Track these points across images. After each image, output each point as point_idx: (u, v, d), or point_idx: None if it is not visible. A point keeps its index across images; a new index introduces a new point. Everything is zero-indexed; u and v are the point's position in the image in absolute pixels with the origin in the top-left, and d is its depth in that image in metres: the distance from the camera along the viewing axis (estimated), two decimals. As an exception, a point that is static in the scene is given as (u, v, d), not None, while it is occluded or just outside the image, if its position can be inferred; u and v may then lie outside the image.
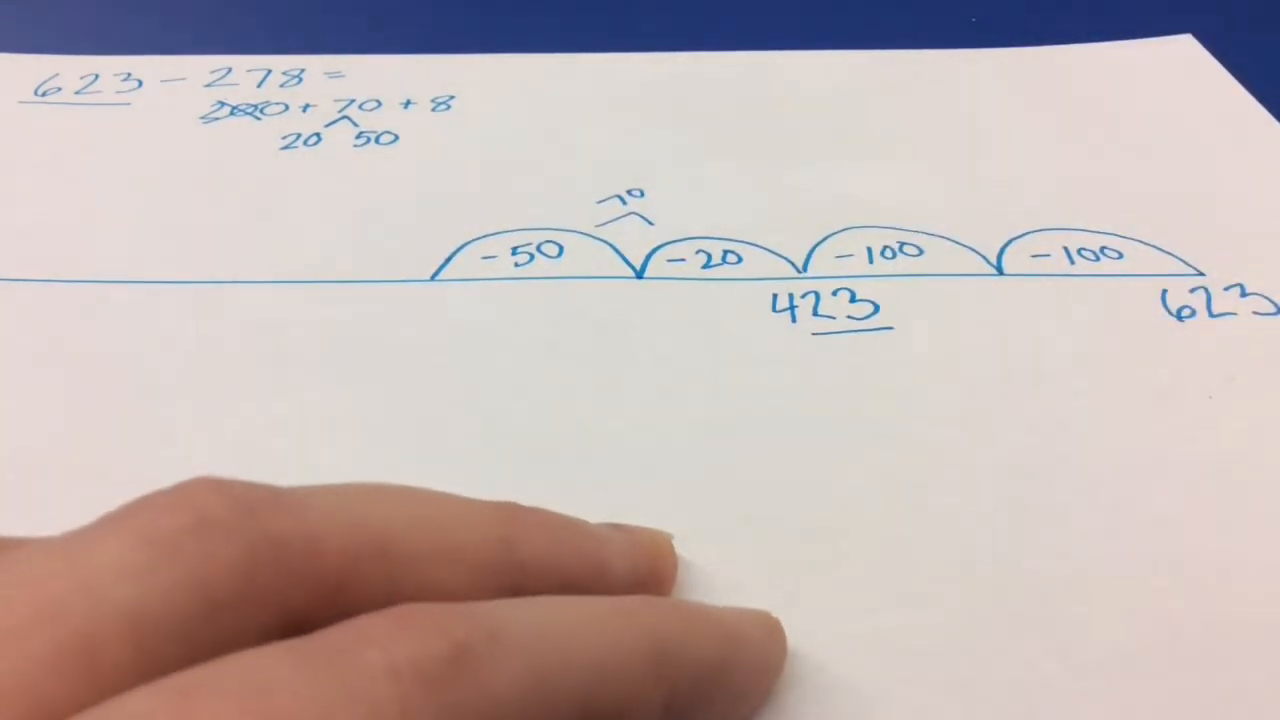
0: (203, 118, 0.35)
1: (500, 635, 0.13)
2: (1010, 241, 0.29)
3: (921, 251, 0.29)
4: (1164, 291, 0.27)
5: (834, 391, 0.24)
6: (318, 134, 0.34)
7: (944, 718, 0.18)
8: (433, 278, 0.28)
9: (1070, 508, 0.21)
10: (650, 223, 0.30)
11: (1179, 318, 0.26)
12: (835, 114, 0.35)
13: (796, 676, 0.18)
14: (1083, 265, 0.28)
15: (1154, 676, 0.18)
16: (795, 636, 0.18)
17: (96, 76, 0.38)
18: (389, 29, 0.42)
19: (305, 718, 0.11)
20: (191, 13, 0.44)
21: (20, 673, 0.12)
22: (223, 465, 0.22)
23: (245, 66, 0.39)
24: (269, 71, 0.38)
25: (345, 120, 0.35)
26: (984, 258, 0.28)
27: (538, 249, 0.29)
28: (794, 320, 0.26)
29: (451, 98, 0.37)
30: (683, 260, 0.28)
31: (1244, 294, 0.27)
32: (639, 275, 0.28)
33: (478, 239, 0.29)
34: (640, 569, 0.18)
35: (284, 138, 0.34)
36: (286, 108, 0.36)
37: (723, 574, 0.20)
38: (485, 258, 0.29)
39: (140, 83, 0.38)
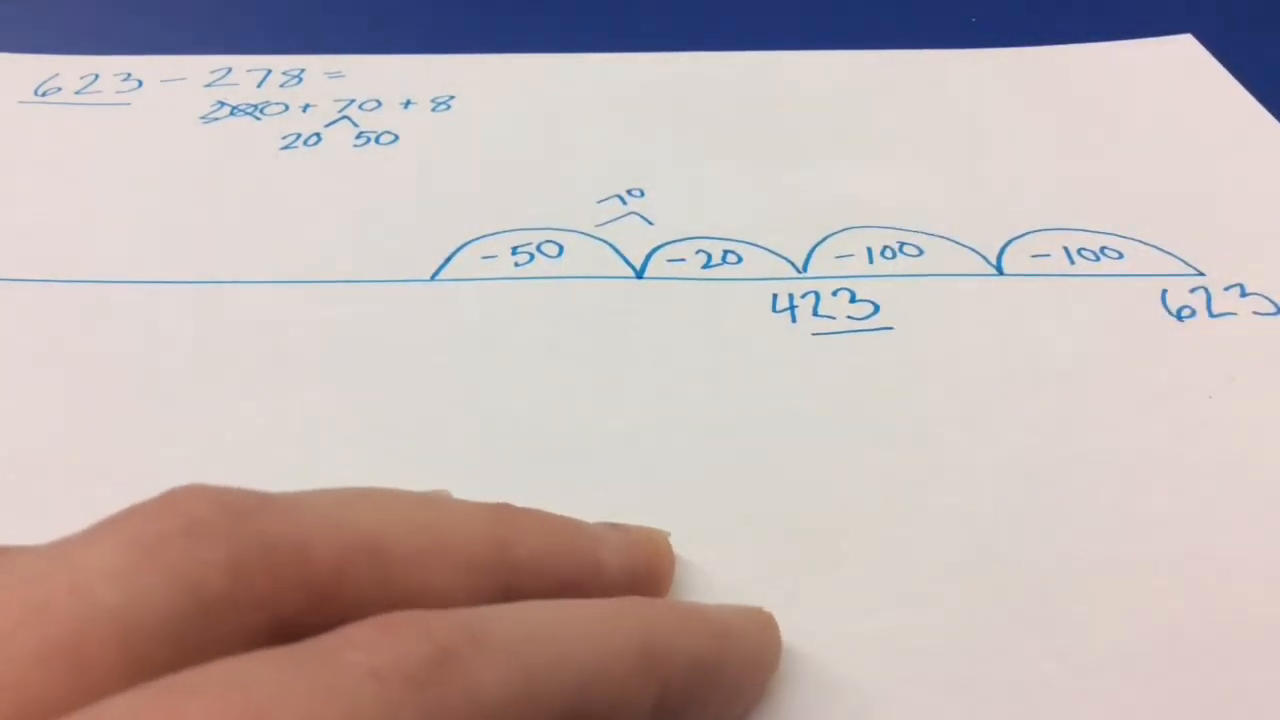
0: (203, 118, 0.35)
1: (485, 638, 0.13)
2: (1010, 241, 0.29)
3: (921, 251, 0.29)
4: (1164, 291, 0.27)
5: (834, 391, 0.24)
6: (318, 134, 0.34)
7: (944, 718, 0.18)
8: (433, 278, 0.28)
9: (1070, 507, 0.21)
10: (650, 223, 0.30)
11: (1179, 318, 0.26)
12: (835, 114, 0.35)
13: (795, 676, 0.18)
14: (1083, 265, 0.28)
15: (1154, 676, 0.18)
16: (794, 636, 0.18)
17: (96, 76, 0.38)
18: (389, 29, 0.42)
19: (288, 717, 0.11)
20: (191, 13, 0.44)
21: (7, 673, 0.12)
22: (223, 465, 0.22)
23: (245, 66, 0.39)
24: (269, 71, 0.38)
25: (345, 120, 0.35)
26: (984, 258, 0.28)
27: (538, 249, 0.29)
28: (794, 320, 0.26)
29: (451, 98, 0.37)
30: (683, 260, 0.28)
31: (1244, 294, 0.27)
32: (639, 275, 0.28)
33: (478, 239, 0.29)
34: (636, 567, 0.18)
35: (284, 138, 0.34)
36: (286, 108, 0.36)
37: (722, 574, 0.20)
38: (485, 258, 0.29)
39: (140, 83, 0.38)
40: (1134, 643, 0.19)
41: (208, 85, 0.37)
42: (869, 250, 0.29)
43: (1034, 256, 0.28)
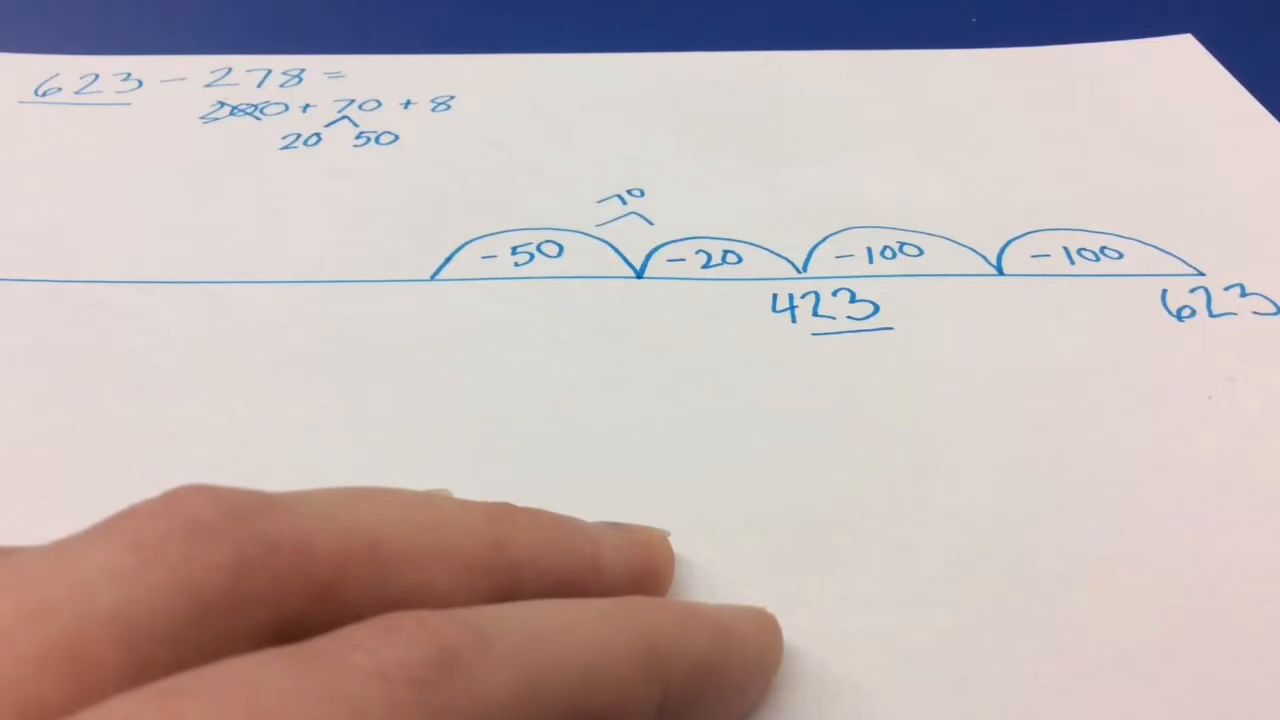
0: (203, 118, 0.35)
1: (490, 639, 0.13)
2: (1010, 241, 0.29)
3: (921, 251, 0.29)
4: (1164, 291, 0.27)
5: (834, 391, 0.24)
6: (318, 134, 0.34)
7: (944, 718, 0.18)
8: (433, 278, 0.28)
9: (1070, 507, 0.21)
10: (650, 223, 0.30)
11: (1179, 318, 0.26)
12: (835, 114, 0.35)
13: (796, 676, 0.18)
14: (1083, 265, 0.28)
15: (1153, 676, 0.18)
16: (795, 636, 0.18)
17: (96, 76, 0.38)
18: (389, 29, 0.42)
19: (291, 718, 0.11)
20: (191, 13, 0.44)
21: (7, 674, 0.12)
22: (223, 465, 0.22)
23: (245, 66, 0.39)
24: (269, 71, 0.38)
25: (345, 120, 0.35)
26: (984, 258, 0.28)
27: (538, 249, 0.29)
28: (794, 320, 0.26)
29: (451, 98, 0.37)
30: (683, 260, 0.28)
31: (1244, 294, 0.27)
32: (639, 275, 0.28)
33: (478, 239, 0.29)
34: (636, 567, 0.18)
35: (284, 138, 0.34)
36: (286, 108, 0.36)
37: (723, 574, 0.20)
38: (485, 258, 0.29)
39: (140, 83, 0.38)
40: (1134, 643, 0.19)
41: (208, 85, 0.37)
42: (869, 250, 0.29)
43: (1034, 256, 0.28)
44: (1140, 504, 0.21)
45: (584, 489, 0.22)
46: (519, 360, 0.25)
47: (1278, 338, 0.25)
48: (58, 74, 0.38)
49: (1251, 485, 0.22)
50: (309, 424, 0.23)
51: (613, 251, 0.29)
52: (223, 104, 0.36)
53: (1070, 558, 0.20)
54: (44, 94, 0.37)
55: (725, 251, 0.29)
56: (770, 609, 0.18)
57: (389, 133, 0.35)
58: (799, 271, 0.28)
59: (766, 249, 0.29)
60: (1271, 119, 0.34)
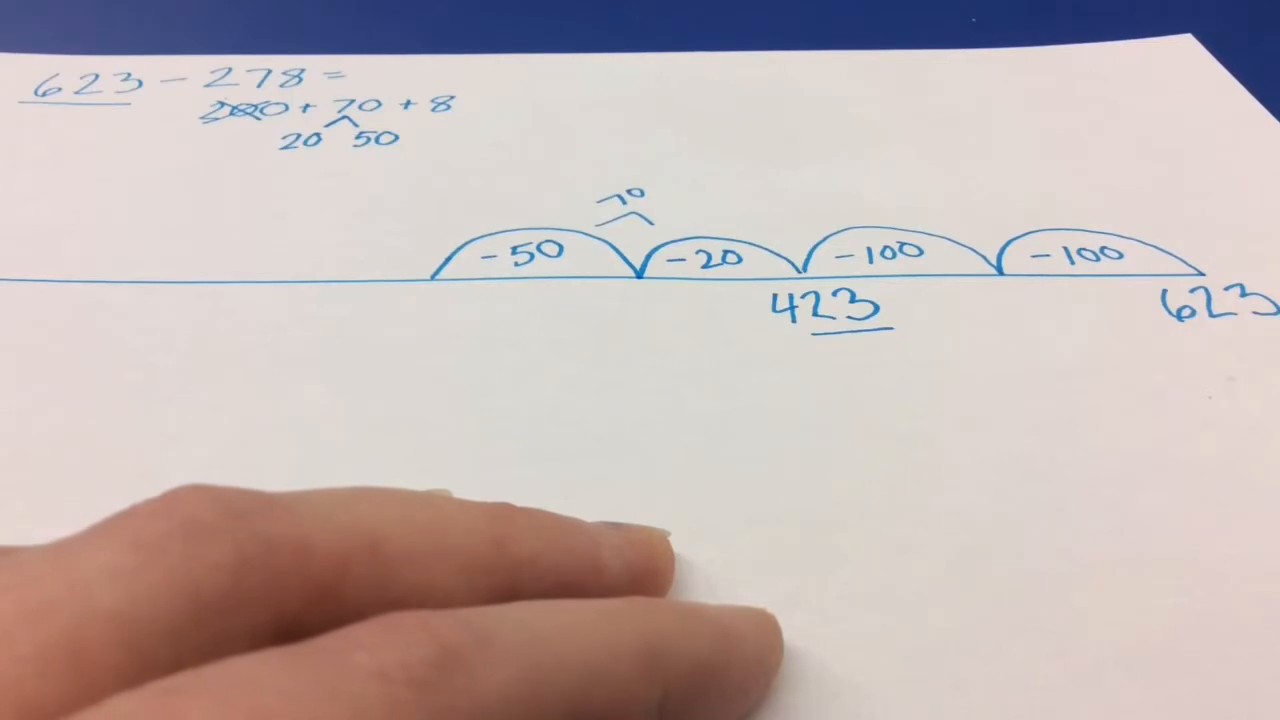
0: (203, 118, 0.35)
1: (490, 639, 0.13)
2: (1010, 241, 0.29)
3: (921, 251, 0.29)
4: (1164, 291, 0.27)
5: (834, 391, 0.24)
6: (318, 134, 0.34)
7: (944, 718, 0.18)
8: (433, 278, 0.28)
9: (1070, 507, 0.21)
10: (650, 223, 0.30)
11: (1179, 318, 0.26)
12: (835, 114, 0.35)
13: (796, 676, 0.18)
14: (1083, 265, 0.28)
15: (1153, 676, 0.18)
16: (795, 636, 0.18)
17: (96, 76, 0.38)
18: (389, 29, 0.42)
19: (291, 718, 0.11)
20: (191, 13, 0.44)
21: (7, 674, 0.12)
22: (223, 465, 0.22)
23: (245, 66, 0.39)
24: (269, 71, 0.38)
25: (345, 120, 0.35)
26: (984, 258, 0.28)
27: (538, 249, 0.29)
28: (794, 320, 0.26)
29: (451, 98, 0.37)
30: (683, 260, 0.28)
31: (1244, 294, 0.27)
32: (639, 275, 0.28)
33: (478, 239, 0.29)
34: (636, 567, 0.18)
35: (284, 138, 0.34)
36: (286, 108, 0.36)
37: (723, 574, 0.20)
38: (485, 257, 0.29)
39: (140, 83, 0.38)
40: (1134, 643, 0.19)
41: (208, 85, 0.37)
42: (869, 250, 0.29)
43: (1034, 256, 0.28)
44: (1140, 504, 0.21)
45: (584, 489, 0.22)
46: (519, 360, 0.25)
47: (1278, 338, 0.25)
48: (58, 74, 0.38)
49: (1251, 485, 0.22)
50: (309, 424, 0.23)
51: (613, 251, 0.29)
52: (223, 104, 0.36)
53: (1070, 558, 0.20)
54: (44, 94, 0.37)
55: (725, 251, 0.29)
56: (770, 609, 0.18)
57: (389, 133, 0.35)
58: (799, 271, 0.28)
59: (766, 249, 0.29)
60: (1271, 119, 0.34)
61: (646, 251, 0.29)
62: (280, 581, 0.13)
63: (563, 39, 0.40)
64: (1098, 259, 0.28)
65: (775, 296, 0.27)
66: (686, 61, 0.39)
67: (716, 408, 0.24)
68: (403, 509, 0.15)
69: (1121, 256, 0.28)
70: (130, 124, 0.35)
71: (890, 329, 0.26)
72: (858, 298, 0.27)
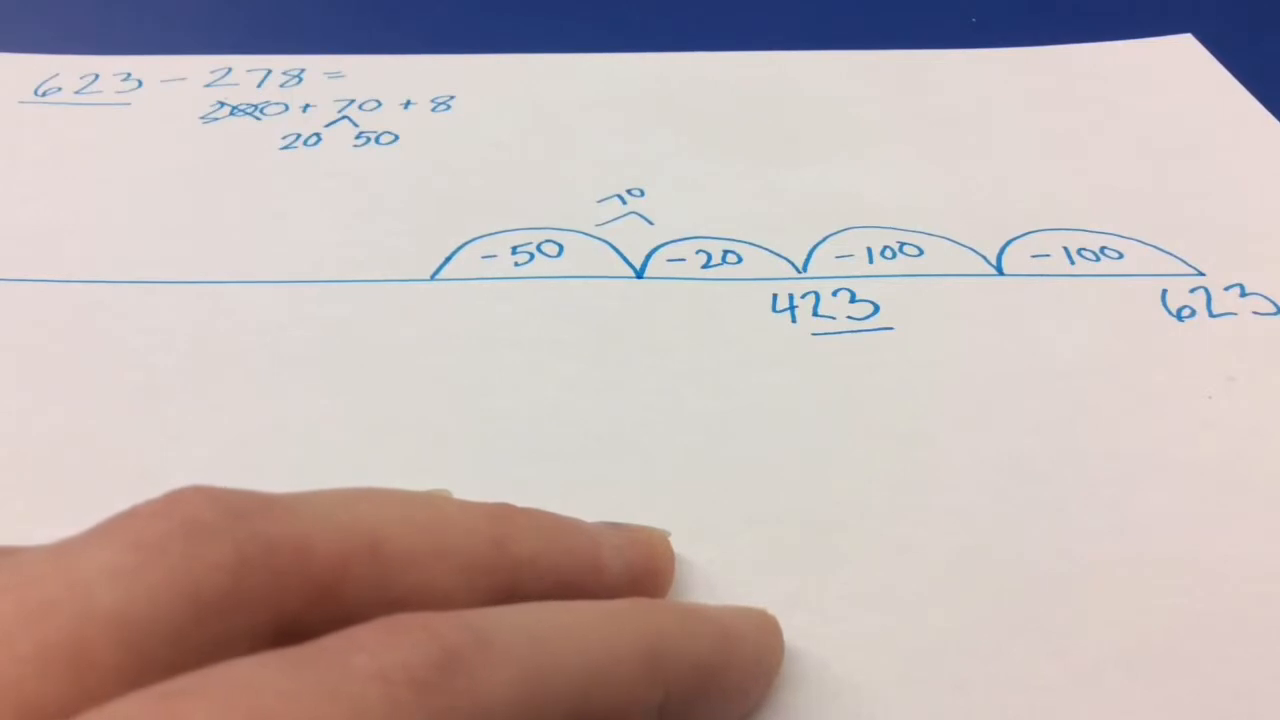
0: (203, 118, 0.35)
1: (491, 641, 0.13)
2: (1010, 241, 0.29)
3: (921, 251, 0.29)
4: (1164, 291, 0.27)
5: (834, 391, 0.24)
6: (318, 134, 0.34)
7: (944, 718, 0.18)
8: (432, 278, 0.28)
9: (1070, 507, 0.21)
10: (650, 223, 0.30)
11: (1179, 318, 0.26)
12: (835, 114, 0.35)
13: (796, 676, 0.18)
14: (1083, 265, 0.28)
15: (1153, 676, 0.18)
16: (795, 636, 0.18)
17: (96, 76, 0.38)
18: (389, 29, 0.42)
19: (292, 719, 0.11)
20: (191, 13, 0.44)
21: (7, 674, 0.12)
22: (223, 465, 0.22)
23: (245, 66, 0.39)
24: (269, 71, 0.38)
25: (345, 120, 0.35)
26: (984, 258, 0.28)
27: (538, 249, 0.29)
28: (794, 320, 0.26)
29: (451, 98, 0.37)
30: (683, 260, 0.28)
31: (1244, 294, 0.27)
32: (639, 275, 0.28)
33: (478, 239, 0.29)
34: (636, 567, 0.18)
35: (284, 138, 0.34)
36: (286, 108, 0.36)
37: (723, 574, 0.20)
38: (485, 257, 0.29)
39: (140, 83, 0.38)
40: (1134, 643, 0.19)
41: (208, 85, 0.37)
42: (869, 250, 0.29)
43: (1034, 256, 0.28)
44: (1140, 504, 0.21)
45: (584, 489, 0.22)
46: (519, 360, 0.25)
47: (1278, 338, 0.25)
48: (58, 74, 0.38)
49: (1251, 485, 0.22)
50: (309, 424, 0.23)
51: (613, 251, 0.29)
52: (223, 104, 0.36)
53: (1070, 558, 0.20)
54: (44, 94, 0.37)
55: (725, 251, 0.29)
56: (770, 609, 0.18)
57: (389, 133, 0.35)
58: (799, 271, 0.28)
59: (766, 249, 0.29)
60: (1271, 119, 0.34)
61: (646, 251, 0.29)
62: (280, 582, 0.13)
63: (563, 39, 0.40)
64: (1098, 259, 0.28)
65: (775, 296, 0.27)
66: (686, 61, 0.39)
67: (716, 408, 0.24)
68: (403, 509, 0.15)
69: (1121, 256, 0.28)
70: (130, 124, 0.35)
71: (890, 329, 0.26)
72: (858, 298, 0.27)
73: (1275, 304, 0.27)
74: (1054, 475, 0.22)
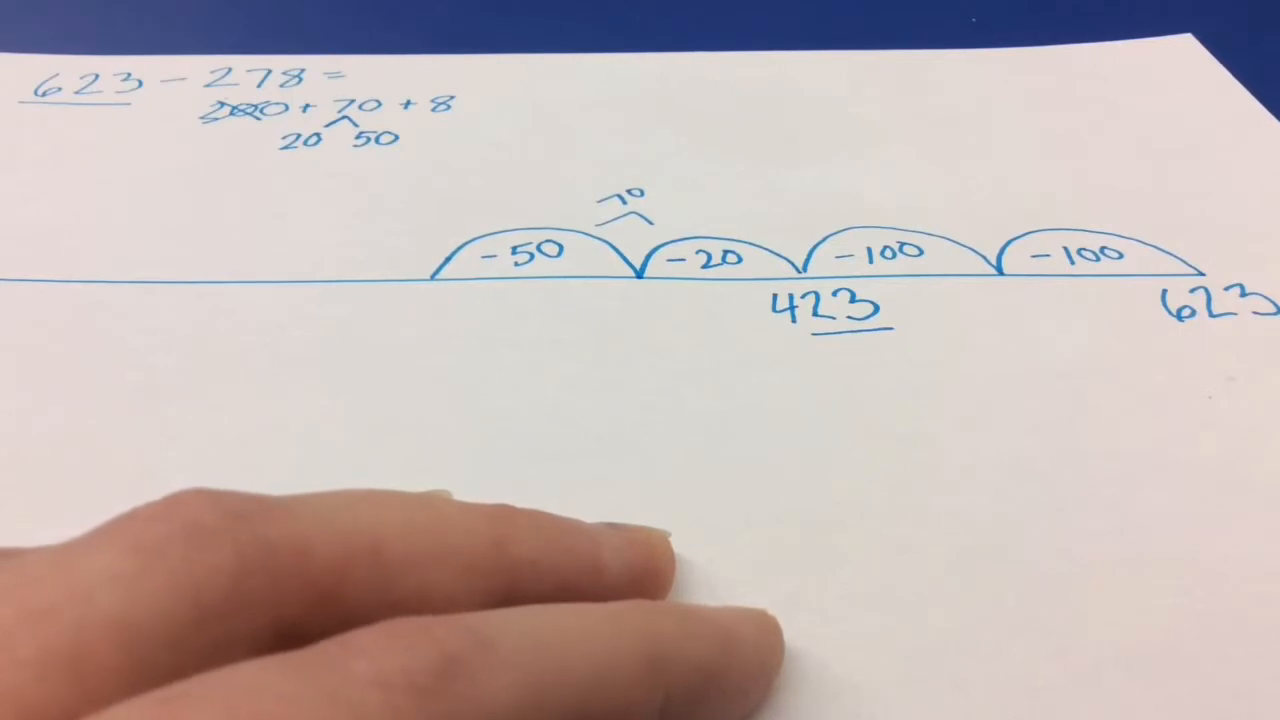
0: (203, 118, 0.35)
1: (492, 645, 0.13)
2: (1010, 241, 0.29)
3: (921, 251, 0.29)
4: (1164, 291, 0.27)
5: (834, 391, 0.24)
6: (318, 134, 0.34)
7: (944, 718, 0.18)
8: (432, 278, 0.28)
9: (1070, 507, 0.21)
10: (650, 223, 0.30)
11: (1179, 318, 0.26)
12: (835, 114, 0.35)
13: (796, 676, 0.18)
14: (1083, 265, 0.28)
15: (1153, 676, 0.18)
16: (795, 636, 0.18)
17: (96, 76, 0.38)
18: (389, 29, 0.42)
19: None
20: (191, 13, 0.44)
21: (7, 678, 0.12)
22: (222, 466, 0.22)
23: (245, 66, 0.39)
24: (269, 71, 0.38)
25: (345, 120, 0.35)
26: (984, 258, 0.28)
27: (538, 249, 0.29)
28: (794, 320, 0.26)
29: (451, 98, 0.37)
30: (683, 260, 0.28)
31: (1244, 294, 0.27)
32: (639, 275, 0.28)
33: (478, 239, 0.29)
34: (636, 567, 0.18)
35: (284, 138, 0.34)
36: (286, 108, 0.36)
37: (723, 574, 0.20)
38: (485, 257, 0.29)
39: (140, 83, 0.38)
40: (1134, 643, 0.19)
41: (208, 85, 0.37)
42: (869, 250, 0.29)
43: (1034, 256, 0.28)
44: (1140, 504, 0.21)
45: (584, 489, 0.22)
46: (519, 360, 0.25)
47: (1278, 338, 0.25)
48: (58, 74, 0.38)
49: (1251, 485, 0.22)
50: (309, 424, 0.23)
51: (613, 251, 0.29)
52: (223, 104, 0.36)
53: (1070, 558, 0.20)
54: (44, 94, 0.37)
55: (725, 251, 0.29)
56: (770, 609, 0.18)
57: (389, 133, 0.35)
58: (799, 271, 0.28)
59: (766, 249, 0.29)
60: (1271, 119, 0.34)
61: (646, 251, 0.29)
62: (280, 585, 0.13)
63: (563, 39, 0.40)
64: (1098, 259, 0.28)
65: (775, 296, 0.27)
66: (686, 61, 0.39)
67: (716, 408, 0.24)
68: (403, 511, 0.15)
69: (1121, 256, 0.28)
70: (130, 124, 0.35)
71: (890, 329, 0.26)
72: (858, 298, 0.27)
73: (1275, 304, 0.27)
74: (1054, 475, 0.22)
